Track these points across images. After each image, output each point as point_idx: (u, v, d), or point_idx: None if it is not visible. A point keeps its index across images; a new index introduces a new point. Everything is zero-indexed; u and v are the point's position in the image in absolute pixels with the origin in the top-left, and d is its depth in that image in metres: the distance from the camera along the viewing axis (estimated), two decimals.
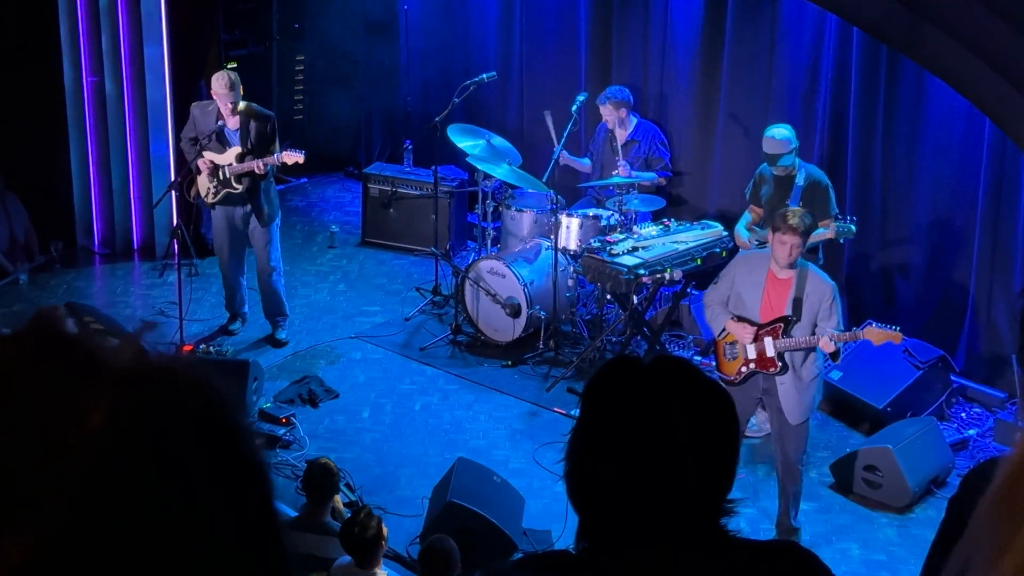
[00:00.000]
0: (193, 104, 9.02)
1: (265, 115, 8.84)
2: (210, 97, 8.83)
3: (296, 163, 8.78)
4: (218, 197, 8.88)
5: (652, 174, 9.54)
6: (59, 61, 10.48)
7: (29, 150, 10.52)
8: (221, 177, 8.81)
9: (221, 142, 8.76)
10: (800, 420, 6.85)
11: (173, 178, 9.78)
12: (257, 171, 8.68)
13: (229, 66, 11.26)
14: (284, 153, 8.68)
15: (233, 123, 8.74)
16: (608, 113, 9.53)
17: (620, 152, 9.53)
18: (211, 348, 9.05)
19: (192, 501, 1.02)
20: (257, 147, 8.73)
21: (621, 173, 9.23)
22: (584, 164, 9.86)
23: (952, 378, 8.56)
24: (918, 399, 8.28)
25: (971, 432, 8.30)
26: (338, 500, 6.45)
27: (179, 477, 1.01)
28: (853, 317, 9.36)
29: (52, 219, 10.67)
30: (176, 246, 9.52)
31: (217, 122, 8.65)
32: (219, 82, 8.60)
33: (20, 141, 10.42)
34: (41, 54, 10.44)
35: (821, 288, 6.62)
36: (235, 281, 9.28)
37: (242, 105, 8.72)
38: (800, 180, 8.14)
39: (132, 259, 10.95)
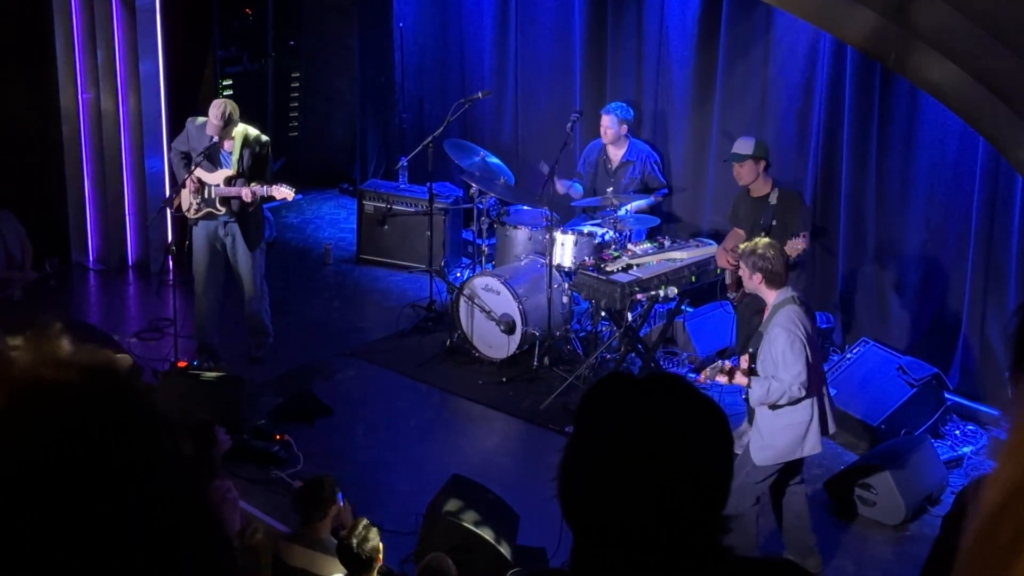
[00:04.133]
0: (189, 119, 8.93)
1: (261, 140, 8.77)
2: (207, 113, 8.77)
3: (284, 199, 8.74)
4: (199, 214, 8.81)
5: (647, 199, 9.54)
6: (55, 77, 10.49)
7: (24, 166, 10.53)
8: (206, 196, 8.75)
9: (212, 161, 8.68)
10: (756, 460, 6.64)
11: (168, 194, 9.77)
12: (245, 199, 8.63)
13: (225, 83, 11.31)
14: (275, 187, 8.58)
15: (227, 144, 8.68)
16: (609, 124, 9.54)
17: (613, 175, 9.58)
18: (206, 363, 9.03)
19: (90, 494, 1.01)
20: (250, 172, 8.67)
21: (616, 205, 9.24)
22: (577, 190, 9.79)
23: (946, 396, 8.57)
24: (912, 417, 8.28)
25: (965, 450, 8.30)
26: (346, 513, 6.35)
27: (75, 472, 1.01)
28: (848, 334, 9.38)
29: (47, 235, 10.66)
30: (171, 262, 9.51)
31: (212, 139, 8.60)
32: (215, 111, 8.49)
33: (15, 157, 10.42)
34: (37, 70, 10.46)
35: (771, 333, 6.46)
36: (208, 304, 9.10)
37: (239, 128, 8.66)
38: (773, 199, 8.18)
39: (127, 275, 10.95)
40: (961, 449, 8.31)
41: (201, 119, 8.76)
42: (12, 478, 1.00)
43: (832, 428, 6.79)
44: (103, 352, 1.11)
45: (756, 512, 6.78)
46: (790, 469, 6.80)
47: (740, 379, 6.54)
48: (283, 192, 8.61)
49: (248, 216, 8.81)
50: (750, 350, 6.61)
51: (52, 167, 10.70)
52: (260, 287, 9.11)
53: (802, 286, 8.48)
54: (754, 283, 6.57)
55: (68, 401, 1.04)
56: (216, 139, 8.56)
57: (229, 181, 8.65)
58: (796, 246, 7.86)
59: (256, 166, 8.69)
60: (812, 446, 6.60)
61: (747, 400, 7.64)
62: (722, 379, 6.57)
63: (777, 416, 6.51)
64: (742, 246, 6.78)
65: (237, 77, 11.75)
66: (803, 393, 6.41)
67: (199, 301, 9.13)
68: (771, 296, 6.57)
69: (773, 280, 6.54)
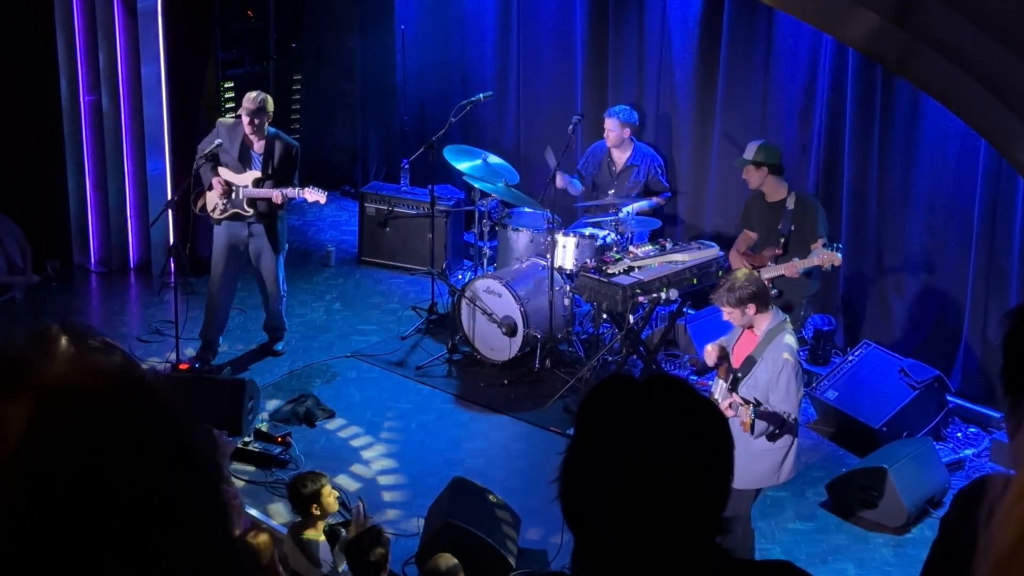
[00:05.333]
0: (219, 120, 9.02)
1: (290, 144, 8.85)
2: (206, 120, 8.79)
3: (317, 201, 8.74)
4: (225, 215, 8.85)
5: (649, 201, 9.57)
6: (56, 80, 10.49)
7: (26, 168, 10.53)
8: (233, 197, 8.79)
9: (243, 162, 8.73)
10: (739, 484, 6.44)
11: (170, 196, 9.78)
12: (275, 201, 8.66)
13: (226, 85, 11.32)
14: (308, 189, 8.61)
15: (259, 147, 8.73)
16: (613, 127, 9.55)
17: (617, 178, 9.59)
18: (207, 365, 9.04)
19: (121, 505, 1.01)
20: (277, 175, 8.72)
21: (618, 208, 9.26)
22: (576, 187, 9.82)
23: (948, 398, 8.56)
24: (914, 419, 8.27)
25: (967, 452, 8.30)
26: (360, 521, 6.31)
27: (105, 483, 1.01)
28: (849, 337, 9.37)
29: (48, 237, 10.66)
30: (173, 265, 9.52)
31: (240, 139, 8.64)
32: (253, 102, 8.55)
33: (17, 159, 10.42)
34: (38, 73, 10.46)
35: (776, 361, 6.29)
36: (220, 302, 9.12)
37: (271, 131, 8.73)
38: (790, 204, 8.18)
39: (128, 278, 10.94)
40: (963, 451, 8.31)
41: (231, 119, 8.82)
42: (40, 485, 1.00)
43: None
44: (128, 360, 1.12)
45: (750, 531, 6.72)
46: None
47: (742, 415, 6.20)
48: (315, 195, 8.62)
49: (274, 219, 8.86)
50: (738, 375, 6.48)
51: (54, 169, 10.69)
52: (282, 288, 9.19)
53: (816, 289, 8.50)
54: (749, 314, 6.37)
55: (97, 410, 1.04)
56: (245, 122, 8.56)
57: (258, 183, 8.69)
58: (833, 260, 7.85)
59: (283, 169, 8.75)
60: (788, 471, 6.50)
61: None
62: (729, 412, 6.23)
63: (755, 440, 6.33)
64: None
65: (239, 79, 11.74)
66: (795, 422, 6.35)
67: (211, 299, 9.14)
68: (763, 322, 6.40)
69: (765, 302, 6.38)
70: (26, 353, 1.06)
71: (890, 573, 7.14)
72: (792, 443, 6.44)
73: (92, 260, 11.04)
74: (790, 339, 6.37)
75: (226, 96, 11.13)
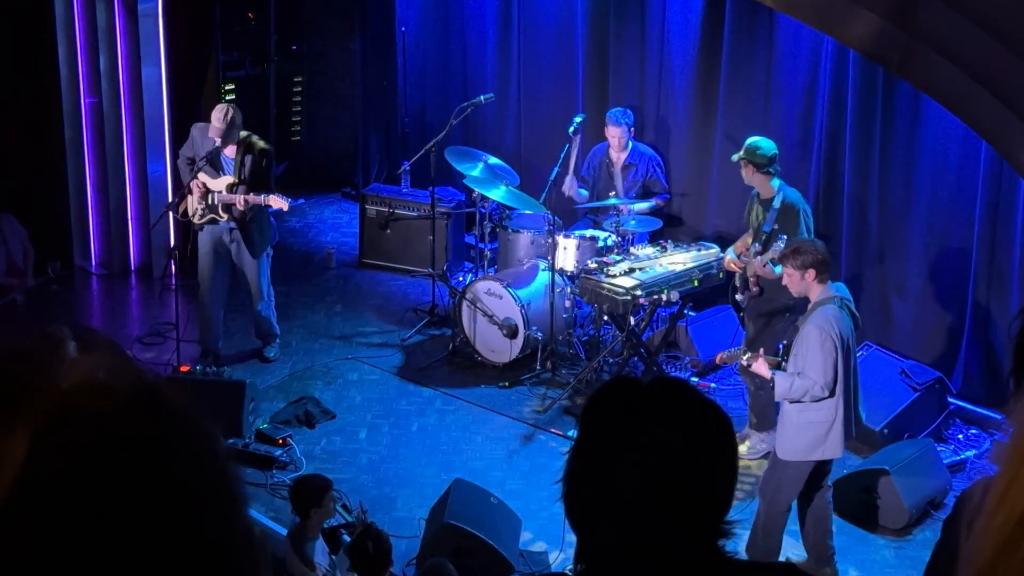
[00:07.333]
0: (194, 125, 8.96)
1: (263, 148, 8.78)
2: (207, 122, 8.79)
3: (280, 209, 8.73)
4: (204, 220, 8.85)
5: (650, 202, 9.55)
6: (57, 82, 10.49)
7: (27, 171, 10.53)
8: (209, 202, 8.78)
9: (215, 167, 8.70)
10: (780, 454, 6.68)
11: (170, 199, 9.77)
12: (239, 206, 8.64)
13: (227, 87, 11.32)
14: (272, 196, 8.59)
15: (230, 151, 8.70)
16: (621, 134, 9.52)
17: (618, 179, 9.58)
18: (208, 368, 9.04)
19: (133, 535, 0.93)
20: (250, 180, 8.68)
21: (621, 210, 9.25)
22: (581, 196, 9.79)
23: (949, 399, 8.56)
24: (915, 420, 8.27)
25: (969, 453, 8.30)
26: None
27: (113, 512, 0.93)
28: None
29: (49, 240, 10.66)
30: (174, 266, 9.52)
31: (215, 143, 8.61)
32: (217, 114, 8.53)
33: (18, 162, 10.42)
34: (39, 75, 10.46)
35: (806, 328, 6.48)
36: (213, 309, 9.13)
37: (243, 135, 8.70)
38: (776, 203, 8.16)
39: (129, 280, 10.95)
40: (964, 453, 8.31)
41: (205, 124, 8.78)
42: (35, 530, 0.92)
43: (852, 432, 6.76)
44: (139, 370, 1.05)
45: (785, 520, 6.77)
46: (817, 474, 6.76)
47: (763, 370, 6.57)
48: (278, 202, 8.61)
49: (251, 223, 8.82)
50: (784, 342, 6.66)
51: (55, 171, 10.70)
52: (266, 292, 9.15)
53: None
54: (807, 281, 6.56)
55: (105, 440, 0.95)
56: (219, 143, 8.57)
57: (231, 188, 8.67)
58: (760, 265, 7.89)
59: (257, 174, 8.70)
60: (832, 449, 6.57)
61: (750, 406, 7.80)
62: (743, 361, 6.74)
63: (800, 412, 6.52)
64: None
65: (239, 82, 11.76)
66: (825, 394, 6.40)
67: (203, 306, 9.14)
68: (816, 292, 6.56)
69: (823, 270, 6.56)
70: (27, 369, 0.97)
71: (891, 575, 7.14)
72: (833, 418, 6.50)
73: (93, 262, 11.05)
74: (829, 312, 6.45)
75: (227, 98, 11.12)
